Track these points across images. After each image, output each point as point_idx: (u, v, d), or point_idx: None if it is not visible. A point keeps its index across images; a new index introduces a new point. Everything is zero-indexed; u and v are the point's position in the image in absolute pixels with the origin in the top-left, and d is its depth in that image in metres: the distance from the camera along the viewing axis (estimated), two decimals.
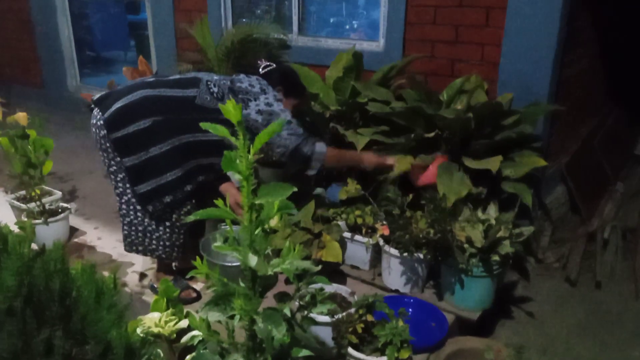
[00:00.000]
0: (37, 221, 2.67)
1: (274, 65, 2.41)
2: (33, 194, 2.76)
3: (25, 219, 2.64)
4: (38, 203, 2.75)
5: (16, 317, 1.03)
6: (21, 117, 2.70)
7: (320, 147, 2.27)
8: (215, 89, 2.20)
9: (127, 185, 2.17)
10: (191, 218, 1.30)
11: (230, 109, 1.26)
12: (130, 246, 2.28)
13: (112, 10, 6.58)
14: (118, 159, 2.11)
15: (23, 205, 2.78)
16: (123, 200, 2.20)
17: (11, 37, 5.53)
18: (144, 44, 4.81)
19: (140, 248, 2.27)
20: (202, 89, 2.19)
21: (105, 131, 2.08)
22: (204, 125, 1.31)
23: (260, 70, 2.37)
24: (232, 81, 2.27)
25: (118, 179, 2.17)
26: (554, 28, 2.61)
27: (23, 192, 2.88)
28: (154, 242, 2.24)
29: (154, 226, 2.21)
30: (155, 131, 2.08)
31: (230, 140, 2.17)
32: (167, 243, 2.24)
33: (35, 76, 5.48)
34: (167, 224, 2.21)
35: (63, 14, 5.12)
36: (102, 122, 2.10)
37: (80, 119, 4.80)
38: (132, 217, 2.22)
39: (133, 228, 2.24)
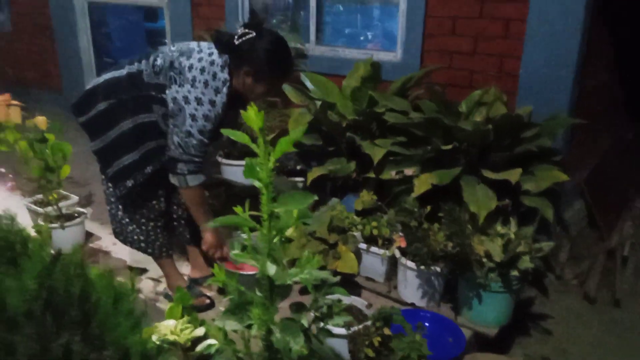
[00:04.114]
0: (53, 225, 2.67)
1: (254, 33, 1.95)
2: (50, 198, 2.77)
3: (42, 223, 2.65)
4: (55, 207, 2.76)
5: (35, 321, 1.02)
6: (40, 121, 2.72)
7: (192, 179, 2.01)
8: (159, 62, 2.03)
9: (102, 175, 2.20)
10: (212, 225, 1.29)
11: (251, 115, 1.25)
12: (115, 234, 2.32)
13: (130, 17, 6.64)
14: None
15: (40, 209, 2.80)
16: (103, 189, 2.25)
17: (32, 43, 5.60)
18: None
19: (121, 237, 2.29)
20: (150, 61, 2.05)
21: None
22: (224, 131, 1.30)
23: (236, 39, 1.97)
24: (180, 53, 2.02)
25: (100, 165, 2.20)
26: (575, 40, 2.58)
27: (40, 196, 2.89)
28: (129, 235, 2.25)
29: (126, 220, 2.22)
30: (110, 114, 2.06)
31: (165, 126, 2.06)
32: (142, 237, 2.24)
33: (55, 81, 5.54)
34: (137, 217, 2.20)
35: (83, 21, 5.19)
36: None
37: None
38: (110, 206, 2.25)
39: (112, 218, 2.27)
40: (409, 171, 2.45)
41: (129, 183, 2.09)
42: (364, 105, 2.77)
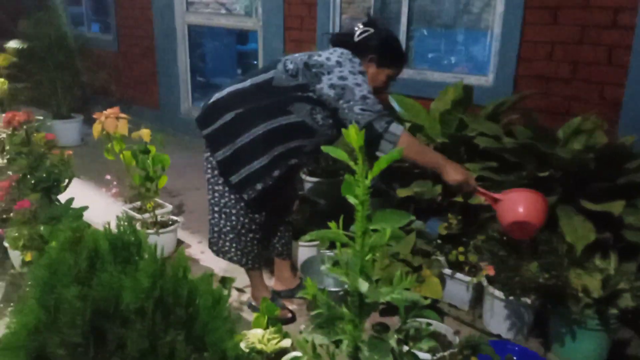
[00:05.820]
0: (149, 231, 2.85)
1: (372, 30, 2.22)
2: (148, 205, 2.95)
3: (139, 229, 2.83)
4: (151, 214, 2.94)
5: (147, 318, 1.09)
6: (145, 133, 2.92)
7: (396, 128, 2.02)
8: (291, 66, 2.14)
9: (209, 186, 2.29)
10: (307, 238, 1.32)
11: (352, 134, 1.28)
12: (209, 244, 2.40)
13: (223, 40, 7.03)
14: (210, 157, 2.25)
15: (138, 215, 2.99)
16: (208, 198, 2.33)
17: (136, 62, 6.05)
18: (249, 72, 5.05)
19: (214, 248, 2.37)
20: (279, 68, 2.16)
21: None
22: (324, 148, 1.34)
23: (356, 37, 2.21)
24: (309, 55, 2.16)
25: (207, 176, 2.30)
26: None
27: (139, 203, 3.09)
28: (225, 244, 2.32)
29: (227, 228, 2.29)
30: (238, 123, 2.16)
31: (312, 121, 2.17)
32: (239, 247, 2.31)
33: (153, 98, 5.93)
34: (238, 227, 2.27)
35: (182, 43, 5.53)
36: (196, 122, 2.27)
37: (189, 139, 5.12)
38: (211, 216, 2.33)
39: (211, 228, 2.35)
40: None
41: (259, 186, 2.19)
42: (453, 128, 2.73)
